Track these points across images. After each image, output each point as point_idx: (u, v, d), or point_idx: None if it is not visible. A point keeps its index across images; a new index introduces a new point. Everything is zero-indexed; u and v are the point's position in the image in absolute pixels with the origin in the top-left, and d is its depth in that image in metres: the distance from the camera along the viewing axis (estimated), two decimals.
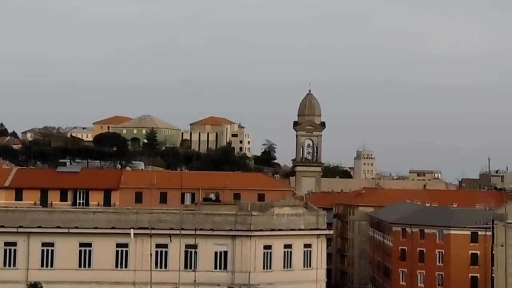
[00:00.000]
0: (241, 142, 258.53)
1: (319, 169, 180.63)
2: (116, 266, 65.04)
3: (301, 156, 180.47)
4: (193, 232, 63.31)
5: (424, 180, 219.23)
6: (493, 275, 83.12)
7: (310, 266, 68.12)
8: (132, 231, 60.90)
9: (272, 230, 66.70)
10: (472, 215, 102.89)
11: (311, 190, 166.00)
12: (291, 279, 66.46)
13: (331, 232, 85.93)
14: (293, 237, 67.63)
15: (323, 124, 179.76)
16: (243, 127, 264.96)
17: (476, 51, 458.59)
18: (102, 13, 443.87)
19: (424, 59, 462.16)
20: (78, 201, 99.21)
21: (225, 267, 65.43)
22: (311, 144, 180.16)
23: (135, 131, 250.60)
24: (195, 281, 60.81)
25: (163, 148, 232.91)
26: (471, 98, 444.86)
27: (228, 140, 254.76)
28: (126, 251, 64.89)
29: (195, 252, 64.67)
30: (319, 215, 69.71)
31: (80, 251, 65.04)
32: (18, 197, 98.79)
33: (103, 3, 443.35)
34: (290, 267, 67.31)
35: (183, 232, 62.84)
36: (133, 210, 69.02)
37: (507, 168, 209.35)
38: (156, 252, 64.20)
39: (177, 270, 62.14)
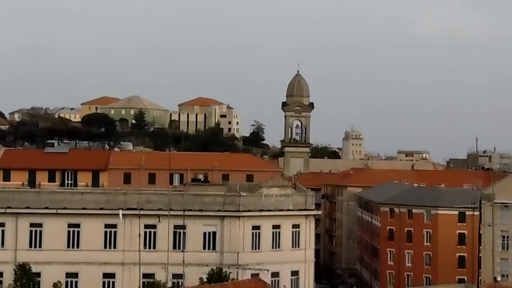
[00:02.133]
0: (229, 123, 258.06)
1: (307, 149, 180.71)
2: (105, 247, 65.10)
3: (289, 137, 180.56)
4: (181, 213, 63.35)
5: (412, 160, 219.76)
6: (480, 254, 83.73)
7: (298, 246, 68.37)
8: (120, 212, 60.96)
9: (261, 210, 66.85)
10: (459, 195, 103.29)
11: (300, 171, 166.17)
12: (279, 259, 66.70)
13: (320, 212, 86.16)
14: (282, 218, 67.82)
15: (311, 105, 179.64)
16: (232, 108, 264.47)
17: (465, 31, 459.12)
18: None
19: (412, 40, 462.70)
20: (66, 181, 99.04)
21: (214, 248, 65.60)
22: (299, 125, 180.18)
23: (123, 111, 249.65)
24: (183, 261, 60.81)
25: (152, 129, 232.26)
26: (458, 79, 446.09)
27: (216, 121, 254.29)
28: (115, 232, 64.93)
29: (184, 233, 64.79)
30: (307, 195, 69.88)
31: (69, 231, 65.03)
32: (6, 177, 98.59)
33: None
34: (279, 247, 67.55)
35: (171, 212, 62.90)
36: (121, 191, 69.02)
37: (494, 148, 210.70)
38: (145, 232, 64.26)
39: (165, 250, 62.21)
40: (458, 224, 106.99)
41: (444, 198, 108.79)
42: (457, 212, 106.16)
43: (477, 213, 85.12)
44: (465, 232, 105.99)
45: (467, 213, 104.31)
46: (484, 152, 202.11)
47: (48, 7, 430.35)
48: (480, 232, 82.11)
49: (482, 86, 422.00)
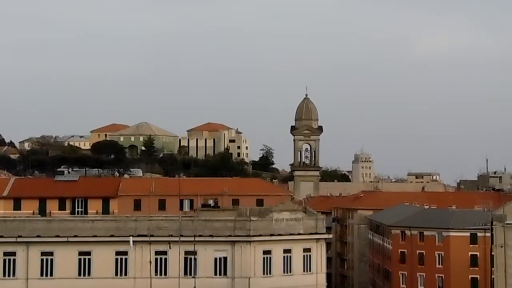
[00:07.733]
0: (238, 147, 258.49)
1: (317, 173, 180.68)
2: (116, 274, 64.89)
3: (299, 160, 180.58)
4: (192, 239, 63.30)
5: (422, 182, 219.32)
6: (493, 276, 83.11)
7: (310, 270, 68.07)
8: (131, 239, 60.91)
9: (271, 235, 66.66)
10: (471, 217, 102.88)
11: (310, 195, 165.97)
12: (291, 284, 66.36)
13: (331, 236, 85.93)
14: (293, 242, 67.58)
15: (320, 128, 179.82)
16: (241, 133, 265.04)
17: (472, 52, 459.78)
18: (98, 20, 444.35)
19: (422, 61, 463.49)
20: (76, 209, 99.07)
21: (225, 273, 65.33)
22: (308, 148, 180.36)
23: (132, 138, 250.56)
24: (195, 287, 60.78)
25: (161, 155, 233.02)
26: (468, 99, 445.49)
27: (225, 146, 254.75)
28: (126, 259, 64.76)
29: (195, 259, 64.58)
30: (318, 219, 69.66)
31: (80, 259, 64.88)
32: (17, 206, 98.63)
33: (99, 11, 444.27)
34: (290, 272, 67.25)
35: (182, 238, 62.84)
36: (132, 217, 68.92)
37: (505, 169, 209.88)
38: (156, 259, 64.13)
39: (177, 277, 62.13)
40: (470, 245, 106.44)
41: (455, 220, 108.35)
42: (468, 234, 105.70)
43: (488, 234, 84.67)
44: (477, 253, 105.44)
45: (478, 234, 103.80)
46: (495, 173, 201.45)
47: (58, 35, 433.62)
48: (492, 253, 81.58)
49: (492, 106, 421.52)
